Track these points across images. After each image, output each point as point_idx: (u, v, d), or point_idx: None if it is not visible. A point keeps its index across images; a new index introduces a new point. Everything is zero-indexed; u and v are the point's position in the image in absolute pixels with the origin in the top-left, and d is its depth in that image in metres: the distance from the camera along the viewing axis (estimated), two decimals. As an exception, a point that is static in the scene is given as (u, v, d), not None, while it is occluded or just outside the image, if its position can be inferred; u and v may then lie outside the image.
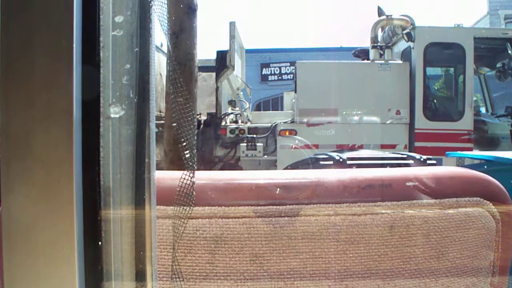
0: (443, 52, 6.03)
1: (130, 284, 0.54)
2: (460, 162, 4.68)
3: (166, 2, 0.56)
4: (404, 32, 5.88)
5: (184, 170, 0.59)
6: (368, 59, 6.30)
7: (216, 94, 5.77)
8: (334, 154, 2.65)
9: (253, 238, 0.81)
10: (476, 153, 4.53)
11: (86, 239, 0.48)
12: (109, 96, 0.51)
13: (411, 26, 5.88)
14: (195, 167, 0.59)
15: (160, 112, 4.94)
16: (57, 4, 0.46)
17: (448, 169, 0.98)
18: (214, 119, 5.79)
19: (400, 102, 5.74)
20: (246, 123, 5.96)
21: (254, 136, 5.75)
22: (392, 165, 2.49)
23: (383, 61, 5.99)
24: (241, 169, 5.70)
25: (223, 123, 5.89)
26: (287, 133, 5.71)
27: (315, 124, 5.69)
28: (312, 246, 0.82)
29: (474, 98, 6.06)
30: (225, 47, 5.56)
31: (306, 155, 4.39)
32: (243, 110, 6.13)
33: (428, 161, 2.52)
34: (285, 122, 5.80)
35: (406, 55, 6.02)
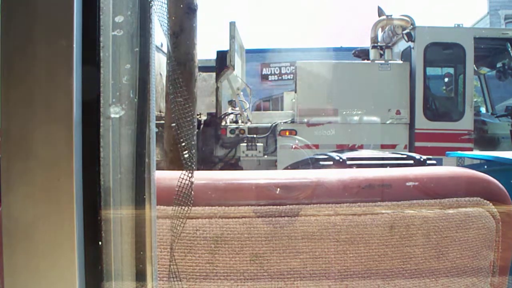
0: (443, 52, 6.03)
1: (130, 284, 0.54)
2: (460, 162, 4.68)
3: (166, 2, 0.56)
4: (404, 32, 5.87)
5: (183, 170, 0.59)
6: (368, 59, 6.30)
7: (216, 94, 5.77)
8: (334, 154, 2.64)
9: (253, 238, 0.81)
10: (476, 153, 4.52)
11: (86, 239, 0.48)
12: (109, 96, 0.51)
13: (411, 26, 5.88)
14: (194, 168, 0.59)
15: (160, 112, 4.94)
16: (57, 4, 0.46)
17: (448, 169, 0.97)
18: (214, 119, 5.78)
19: (400, 102, 5.73)
20: (246, 123, 5.95)
21: (254, 136, 5.75)
22: (392, 165, 2.48)
23: (383, 61, 5.98)
24: (241, 169, 5.70)
25: (223, 123, 5.89)
26: (287, 133, 5.71)
27: (315, 124, 5.69)
28: (312, 246, 0.82)
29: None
30: (225, 47, 5.55)
31: (306, 155, 4.39)
32: (243, 110, 6.13)
33: (428, 161, 2.52)
34: (285, 122, 5.80)
35: (406, 55, 6.02)
